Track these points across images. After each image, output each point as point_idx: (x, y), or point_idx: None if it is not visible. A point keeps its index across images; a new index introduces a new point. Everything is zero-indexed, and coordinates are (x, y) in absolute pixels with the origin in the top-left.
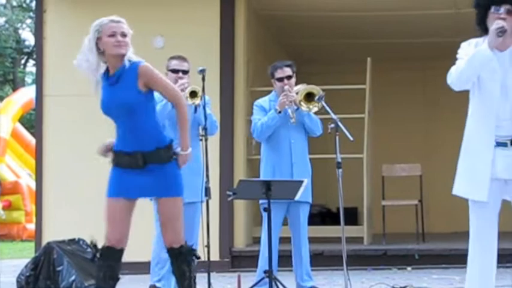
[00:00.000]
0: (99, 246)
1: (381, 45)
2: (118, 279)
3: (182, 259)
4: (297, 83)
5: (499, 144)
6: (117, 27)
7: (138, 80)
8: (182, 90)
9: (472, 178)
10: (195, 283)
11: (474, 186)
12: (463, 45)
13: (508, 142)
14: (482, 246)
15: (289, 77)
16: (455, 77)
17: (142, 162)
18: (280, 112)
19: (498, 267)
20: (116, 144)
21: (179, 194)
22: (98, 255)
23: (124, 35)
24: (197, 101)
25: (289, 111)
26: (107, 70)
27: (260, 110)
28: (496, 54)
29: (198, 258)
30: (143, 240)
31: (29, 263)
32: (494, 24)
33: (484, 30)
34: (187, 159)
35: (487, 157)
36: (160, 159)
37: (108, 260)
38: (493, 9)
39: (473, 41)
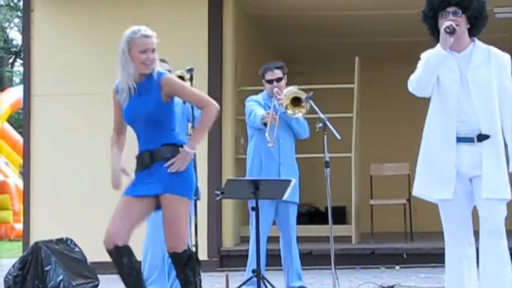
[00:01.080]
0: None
1: (369, 45)
2: (138, 271)
3: (186, 264)
4: (286, 83)
5: (464, 139)
6: (149, 43)
7: (161, 91)
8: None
9: (434, 177)
10: (201, 287)
11: (437, 184)
12: (422, 55)
13: (475, 137)
14: (453, 245)
15: (279, 79)
16: (416, 83)
17: (150, 160)
18: (265, 124)
19: None
20: (138, 153)
21: (186, 195)
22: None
23: (153, 50)
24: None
25: (267, 135)
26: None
27: (256, 102)
28: (454, 55)
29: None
30: (135, 240)
31: (16, 263)
32: (442, 26)
33: (438, 37)
34: (189, 158)
35: (450, 154)
36: (165, 155)
37: (115, 260)
38: (440, 15)
39: (431, 50)
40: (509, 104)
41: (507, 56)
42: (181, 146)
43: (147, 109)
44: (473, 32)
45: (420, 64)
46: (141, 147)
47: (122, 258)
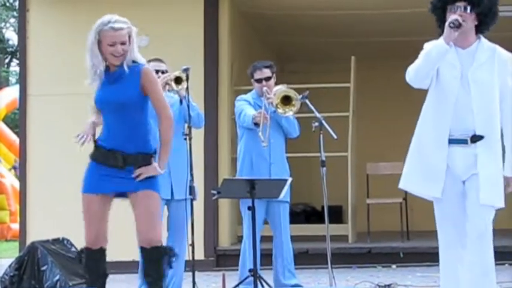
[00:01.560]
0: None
1: (366, 44)
2: (106, 275)
3: (161, 258)
4: (282, 82)
5: (457, 141)
6: (117, 36)
7: (140, 81)
8: (167, 83)
9: (423, 173)
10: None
11: (425, 181)
12: (426, 45)
13: (469, 139)
14: (447, 246)
15: (268, 78)
16: (413, 74)
17: (122, 163)
18: (256, 124)
19: (496, 264)
20: (99, 139)
21: (156, 189)
22: (81, 256)
23: (123, 43)
24: (184, 86)
25: (261, 134)
26: (107, 67)
27: (246, 102)
28: (458, 51)
29: (175, 255)
30: (127, 239)
31: (13, 263)
32: (448, 19)
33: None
34: (154, 173)
35: (441, 153)
36: (137, 163)
37: (90, 261)
38: (449, 9)
39: (435, 41)
40: (510, 104)
41: (510, 55)
42: (153, 154)
43: (122, 95)
44: (480, 29)
45: (421, 54)
46: (110, 141)
47: (101, 260)
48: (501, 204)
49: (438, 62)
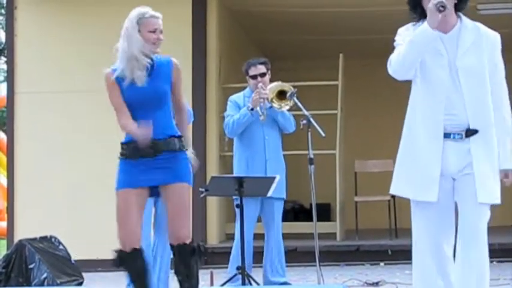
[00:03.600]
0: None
1: (354, 42)
2: (147, 273)
3: (192, 255)
4: (270, 80)
5: (450, 135)
6: (157, 23)
7: (172, 74)
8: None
9: (417, 175)
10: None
11: (420, 184)
12: (400, 30)
13: (463, 134)
14: (427, 250)
15: (263, 75)
16: (397, 64)
17: (155, 150)
18: (252, 109)
19: (498, 261)
20: (126, 137)
21: (190, 181)
22: (118, 261)
23: (161, 31)
24: None
25: (258, 109)
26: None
27: (234, 106)
28: (440, 37)
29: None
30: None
31: (0, 261)
32: (431, 1)
33: (421, 14)
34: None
35: (436, 151)
36: (174, 146)
37: (133, 264)
38: None
39: (411, 26)
40: (500, 90)
41: (497, 34)
42: (181, 137)
43: (159, 90)
44: (460, 7)
45: (400, 42)
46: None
47: (138, 260)
48: (498, 200)
49: (425, 49)
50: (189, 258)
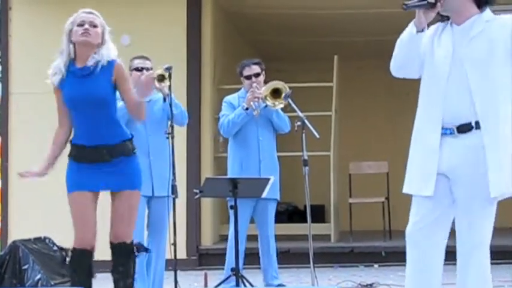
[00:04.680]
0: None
1: (348, 43)
2: (92, 275)
3: (130, 255)
4: (265, 81)
5: (446, 130)
6: (86, 17)
7: (112, 76)
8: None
9: (419, 171)
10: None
11: (421, 180)
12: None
13: (454, 128)
14: (423, 251)
15: (257, 75)
16: (392, 62)
17: (109, 156)
18: (247, 109)
19: (497, 263)
20: (75, 138)
21: (139, 188)
22: (68, 258)
23: (94, 25)
24: (166, 84)
25: (252, 104)
26: (73, 61)
27: (229, 106)
28: (453, 29)
29: (147, 251)
30: None
31: None
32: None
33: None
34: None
35: (433, 146)
36: (127, 151)
37: (82, 263)
38: None
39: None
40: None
41: (510, 17)
42: (132, 137)
43: (98, 90)
44: (483, 1)
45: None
46: (90, 138)
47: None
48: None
49: (411, 49)
50: (127, 258)
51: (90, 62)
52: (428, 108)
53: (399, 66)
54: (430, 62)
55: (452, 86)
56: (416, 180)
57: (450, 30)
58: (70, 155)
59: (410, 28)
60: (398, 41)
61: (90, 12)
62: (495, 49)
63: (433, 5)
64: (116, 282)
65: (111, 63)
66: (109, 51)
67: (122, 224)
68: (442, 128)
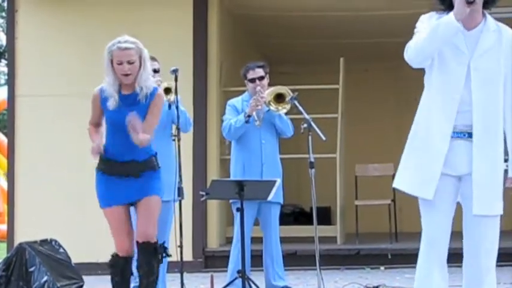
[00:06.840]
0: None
1: (355, 45)
2: (129, 282)
3: (155, 255)
4: (271, 83)
5: (461, 134)
6: (123, 55)
7: (151, 101)
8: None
9: (421, 172)
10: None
11: (422, 181)
12: (423, 18)
13: (471, 132)
14: (430, 249)
15: (261, 78)
16: (415, 52)
17: (138, 171)
18: (249, 116)
19: (498, 265)
20: (108, 153)
21: (161, 195)
22: (110, 264)
23: (131, 62)
24: (171, 97)
25: (255, 114)
26: (120, 87)
27: (232, 109)
28: (463, 33)
29: (170, 256)
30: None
31: (0, 264)
32: None
33: (449, 6)
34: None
35: (442, 149)
36: (153, 166)
37: (124, 269)
38: None
39: (435, 14)
40: None
41: None
42: (156, 155)
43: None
44: (487, 5)
45: (420, 28)
46: (119, 154)
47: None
48: (499, 211)
49: (445, 42)
50: (151, 256)
51: (136, 91)
52: (440, 112)
53: (425, 57)
54: (441, 60)
55: (463, 92)
56: (417, 181)
57: (462, 34)
58: (99, 168)
59: (451, 20)
60: (430, 32)
61: (125, 49)
62: (502, 66)
63: (473, 3)
64: (140, 279)
65: (153, 93)
66: (147, 76)
67: (145, 224)
68: (455, 132)
